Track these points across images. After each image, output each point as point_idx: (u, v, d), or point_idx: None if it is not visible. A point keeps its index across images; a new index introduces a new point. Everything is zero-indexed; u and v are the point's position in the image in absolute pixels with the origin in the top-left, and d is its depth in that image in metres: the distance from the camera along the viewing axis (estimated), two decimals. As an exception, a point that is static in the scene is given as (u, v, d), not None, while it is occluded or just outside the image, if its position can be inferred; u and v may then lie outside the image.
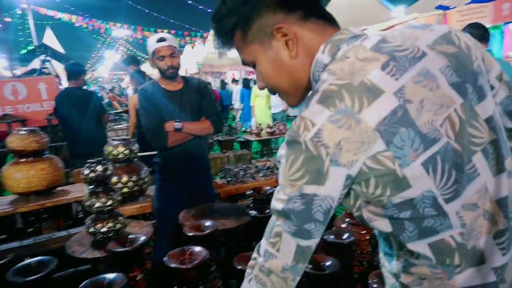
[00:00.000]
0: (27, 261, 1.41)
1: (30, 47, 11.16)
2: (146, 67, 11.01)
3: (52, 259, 1.41)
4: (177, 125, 2.04)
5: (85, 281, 1.27)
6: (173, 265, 1.29)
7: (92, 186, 1.71)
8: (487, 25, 4.06)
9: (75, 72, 3.54)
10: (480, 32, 2.92)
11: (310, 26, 0.73)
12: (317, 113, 0.62)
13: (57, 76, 7.53)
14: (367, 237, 1.70)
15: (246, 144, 5.23)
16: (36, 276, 1.31)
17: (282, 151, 0.67)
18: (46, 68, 6.97)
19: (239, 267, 1.34)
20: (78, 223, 2.40)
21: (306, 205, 0.64)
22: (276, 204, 0.69)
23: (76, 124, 3.40)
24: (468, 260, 0.66)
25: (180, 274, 1.30)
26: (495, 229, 0.66)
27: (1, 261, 1.45)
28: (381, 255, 0.83)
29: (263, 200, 1.93)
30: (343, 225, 1.73)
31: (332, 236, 1.54)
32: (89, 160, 1.68)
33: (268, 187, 2.04)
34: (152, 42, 2.08)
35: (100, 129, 3.65)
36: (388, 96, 0.60)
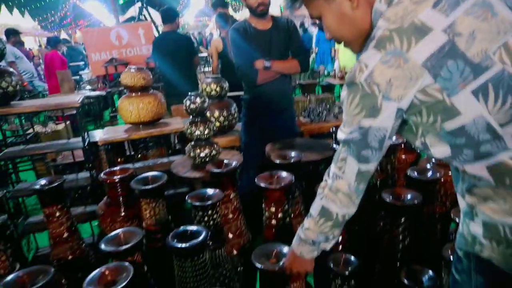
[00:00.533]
0: (145, 174, 1.72)
1: (127, -4, 11.94)
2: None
3: (163, 175, 1.69)
4: (267, 63, 2.13)
5: (190, 193, 1.52)
6: (262, 184, 1.46)
7: (192, 117, 1.94)
8: None
9: (170, 16, 3.75)
10: None
11: None
12: (371, 56, 0.70)
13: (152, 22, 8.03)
14: (453, 179, 1.66)
15: (328, 89, 5.16)
16: (152, 186, 1.61)
17: (344, 92, 0.78)
18: (142, 14, 7.48)
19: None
20: (176, 153, 2.74)
21: (363, 135, 0.76)
22: (340, 134, 0.82)
23: (171, 65, 3.69)
24: None
25: (268, 193, 1.47)
26: None
27: (125, 175, 1.79)
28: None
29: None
30: (428, 165, 1.71)
31: (415, 173, 1.55)
32: (190, 93, 1.89)
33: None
34: None
35: (191, 70, 3.91)
36: (437, 33, 0.65)
